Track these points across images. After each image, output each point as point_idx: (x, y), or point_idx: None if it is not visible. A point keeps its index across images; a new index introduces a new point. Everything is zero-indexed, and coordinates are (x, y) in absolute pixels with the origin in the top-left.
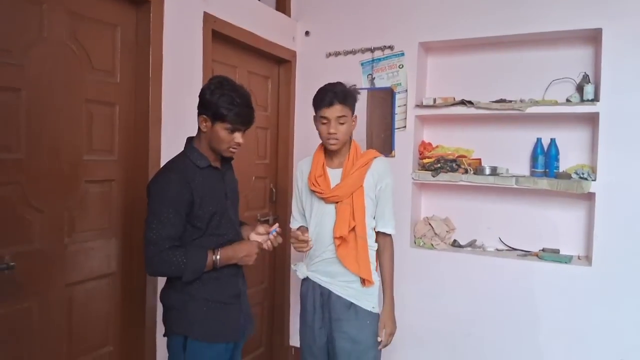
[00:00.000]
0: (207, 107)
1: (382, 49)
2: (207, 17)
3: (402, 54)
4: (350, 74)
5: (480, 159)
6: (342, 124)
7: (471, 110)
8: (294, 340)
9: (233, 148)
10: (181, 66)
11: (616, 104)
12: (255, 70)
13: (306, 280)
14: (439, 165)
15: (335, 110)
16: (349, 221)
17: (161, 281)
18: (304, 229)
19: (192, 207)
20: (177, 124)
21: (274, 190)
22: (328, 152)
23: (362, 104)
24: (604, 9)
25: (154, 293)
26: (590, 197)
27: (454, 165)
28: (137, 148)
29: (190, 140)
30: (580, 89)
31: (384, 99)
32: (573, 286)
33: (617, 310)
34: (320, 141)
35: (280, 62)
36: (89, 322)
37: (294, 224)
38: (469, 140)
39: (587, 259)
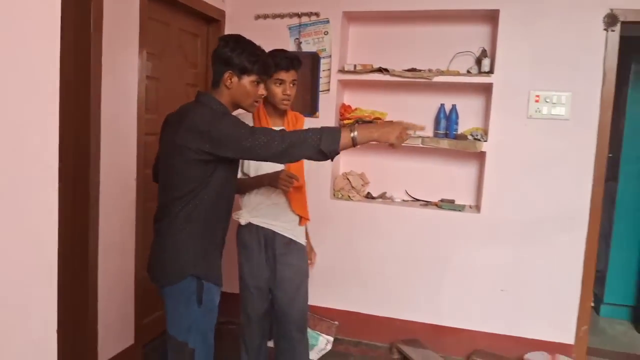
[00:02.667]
0: (231, 63)
1: (309, 15)
2: None
3: (327, 22)
4: (278, 37)
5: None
6: (293, 86)
7: (387, 77)
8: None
9: (256, 102)
10: (119, 23)
11: (506, 77)
12: (186, 28)
13: (247, 226)
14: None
15: (291, 74)
16: (299, 172)
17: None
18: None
19: None
20: (116, 78)
21: None
22: (266, 111)
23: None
24: None
25: None
26: (482, 155)
27: None
28: (79, 100)
29: (206, 94)
30: (479, 61)
31: (310, 63)
32: (465, 230)
33: (500, 250)
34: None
35: (210, 21)
36: None
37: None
38: (383, 104)
39: (477, 207)
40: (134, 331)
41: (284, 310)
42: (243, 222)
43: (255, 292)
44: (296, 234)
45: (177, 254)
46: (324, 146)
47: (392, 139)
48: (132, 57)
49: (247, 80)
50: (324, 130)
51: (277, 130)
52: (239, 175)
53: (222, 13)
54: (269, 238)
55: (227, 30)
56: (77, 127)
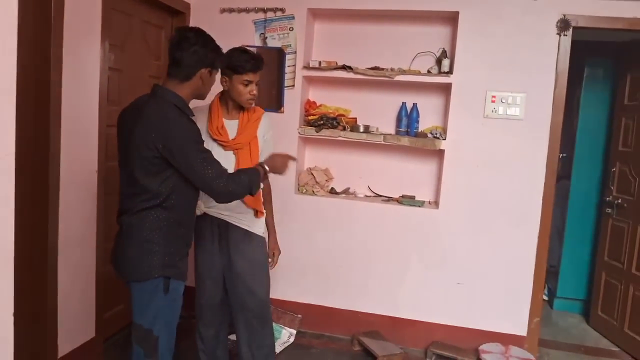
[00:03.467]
0: (208, 61)
1: (274, 10)
2: None
3: (293, 17)
4: (243, 31)
5: (356, 118)
6: (257, 86)
7: (350, 75)
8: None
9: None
10: (81, 13)
11: (464, 77)
12: (149, 20)
13: (202, 216)
14: (321, 122)
15: (257, 76)
16: (249, 164)
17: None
18: None
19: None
20: (78, 69)
21: None
22: (224, 105)
23: None
24: None
25: None
26: (441, 153)
27: (334, 122)
28: (38, 91)
29: (165, 89)
30: (439, 62)
31: (275, 58)
32: (424, 225)
33: (457, 244)
34: (217, 94)
35: (174, 13)
36: None
37: None
38: (347, 101)
39: (436, 203)
40: (94, 324)
41: (240, 299)
42: (199, 212)
43: (208, 281)
44: (252, 225)
45: (146, 254)
46: (253, 191)
47: (278, 169)
48: (94, 48)
49: (214, 74)
50: (252, 179)
51: (222, 168)
52: None
53: (186, 5)
54: (223, 228)
55: (192, 23)
56: (37, 119)
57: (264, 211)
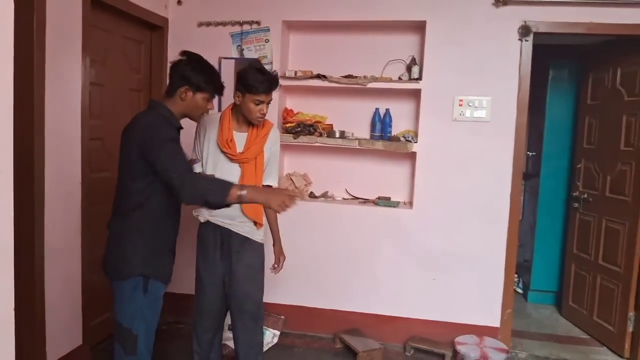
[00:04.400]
0: (189, 80)
1: (250, 23)
2: None
3: (268, 30)
4: (221, 44)
5: (332, 125)
6: (268, 105)
7: (325, 83)
8: (179, 288)
9: (204, 114)
10: (62, 31)
11: (433, 83)
12: (129, 35)
13: (206, 223)
14: (299, 129)
15: (269, 96)
16: (254, 179)
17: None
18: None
19: None
20: (60, 84)
21: None
22: (235, 117)
23: (230, 73)
24: (429, 5)
25: None
26: (413, 155)
27: (311, 129)
28: (22, 106)
29: (157, 102)
30: (409, 69)
31: None
32: (399, 224)
33: (431, 242)
34: (230, 104)
35: (153, 28)
36: None
37: (198, 169)
38: (324, 108)
39: (410, 203)
40: (82, 332)
41: (239, 303)
42: (202, 220)
43: (208, 286)
44: (252, 232)
45: (128, 254)
46: (210, 202)
47: (274, 205)
48: (75, 64)
49: (200, 96)
50: (213, 192)
51: (190, 170)
52: (195, 157)
53: (165, 20)
54: (225, 236)
55: (171, 37)
56: (21, 133)
57: (263, 223)
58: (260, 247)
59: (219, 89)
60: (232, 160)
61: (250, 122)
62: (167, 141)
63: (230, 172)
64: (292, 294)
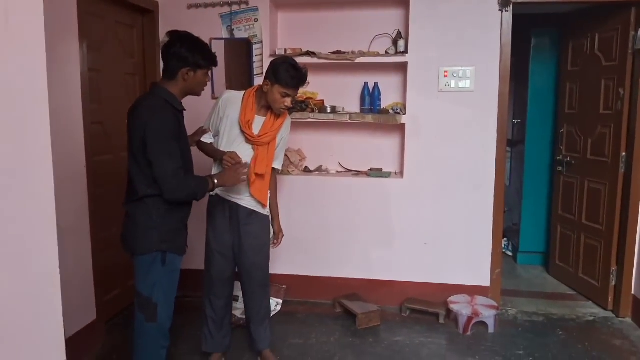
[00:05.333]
0: (188, 61)
1: (239, 3)
2: None
3: (257, 9)
4: (211, 25)
5: (323, 100)
6: (293, 99)
7: (315, 60)
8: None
9: (204, 88)
10: (59, 19)
11: (419, 55)
12: (121, 20)
13: (215, 197)
14: (291, 106)
15: (296, 91)
16: (266, 161)
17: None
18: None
19: (179, 142)
20: (60, 71)
21: None
22: (257, 99)
23: (220, 51)
24: None
25: None
26: (402, 127)
27: (303, 105)
28: None
29: (159, 86)
30: (395, 42)
31: (243, 48)
32: (391, 193)
33: (422, 209)
34: (255, 86)
35: (144, 12)
36: None
37: (209, 139)
38: (314, 85)
39: (401, 173)
40: (95, 308)
41: (248, 271)
42: (212, 192)
43: (218, 256)
44: (259, 206)
45: (147, 232)
46: (198, 197)
47: (229, 182)
48: (74, 51)
49: (200, 73)
50: (199, 188)
51: (179, 169)
52: (209, 128)
53: (155, 4)
54: (234, 209)
55: (162, 20)
56: None
57: (267, 204)
58: (266, 219)
59: (214, 61)
60: (247, 140)
61: (269, 108)
62: (165, 136)
63: (244, 152)
64: (292, 264)
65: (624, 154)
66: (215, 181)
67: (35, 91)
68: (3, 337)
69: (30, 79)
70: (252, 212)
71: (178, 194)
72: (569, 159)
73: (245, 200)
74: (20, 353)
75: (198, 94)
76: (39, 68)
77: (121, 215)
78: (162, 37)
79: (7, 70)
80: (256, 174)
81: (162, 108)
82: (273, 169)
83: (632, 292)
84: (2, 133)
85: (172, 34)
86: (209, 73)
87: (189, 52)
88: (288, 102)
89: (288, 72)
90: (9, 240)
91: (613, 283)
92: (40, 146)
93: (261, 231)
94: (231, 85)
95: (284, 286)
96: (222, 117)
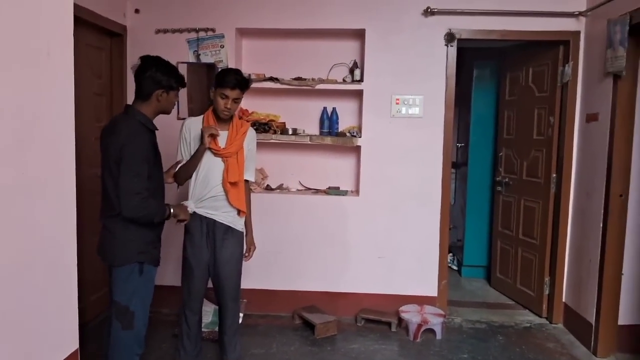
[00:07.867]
0: (162, 83)
1: (206, 30)
2: None
3: (223, 36)
4: (178, 49)
5: (284, 123)
6: (236, 103)
7: (277, 85)
8: (166, 281)
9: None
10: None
11: (373, 84)
12: (91, 43)
13: (193, 214)
14: (255, 127)
15: (234, 93)
16: (237, 171)
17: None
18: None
19: (151, 163)
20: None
21: None
22: (216, 117)
23: (184, 74)
24: (367, 15)
25: None
26: (358, 149)
27: (266, 127)
28: None
29: (133, 108)
30: (352, 71)
31: (208, 72)
32: (347, 211)
33: (376, 224)
34: (211, 106)
35: (112, 35)
36: None
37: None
38: (277, 108)
39: (357, 191)
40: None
41: (222, 285)
42: (190, 210)
43: (196, 270)
44: (234, 222)
45: (125, 245)
46: (155, 221)
47: (181, 215)
48: (42, 71)
49: (172, 93)
50: (158, 213)
51: (145, 190)
52: (181, 157)
53: (123, 28)
54: (210, 226)
55: (130, 44)
56: None
57: (246, 212)
58: (241, 235)
59: (184, 82)
60: (215, 155)
61: (227, 121)
62: (137, 158)
63: (215, 167)
64: (252, 278)
65: (554, 175)
66: (172, 210)
67: (66, 112)
68: (30, 321)
69: (63, 101)
70: (228, 229)
71: (135, 212)
72: (507, 180)
73: (221, 216)
74: (46, 337)
75: (168, 113)
76: (69, 92)
77: (88, 230)
78: (130, 59)
79: (51, 93)
80: (230, 183)
81: (137, 131)
82: (246, 181)
83: (563, 300)
84: (43, 148)
85: (146, 59)
86: (178, 93)
87: (163, 75)
88: (228, 103)
89: (224, 75)
90: (44, 240)
91: (547, 292)
92: (66, 160)
93: (236, 247)
94: (192, 104)
95: (244, 300)
96: (189, 141)
